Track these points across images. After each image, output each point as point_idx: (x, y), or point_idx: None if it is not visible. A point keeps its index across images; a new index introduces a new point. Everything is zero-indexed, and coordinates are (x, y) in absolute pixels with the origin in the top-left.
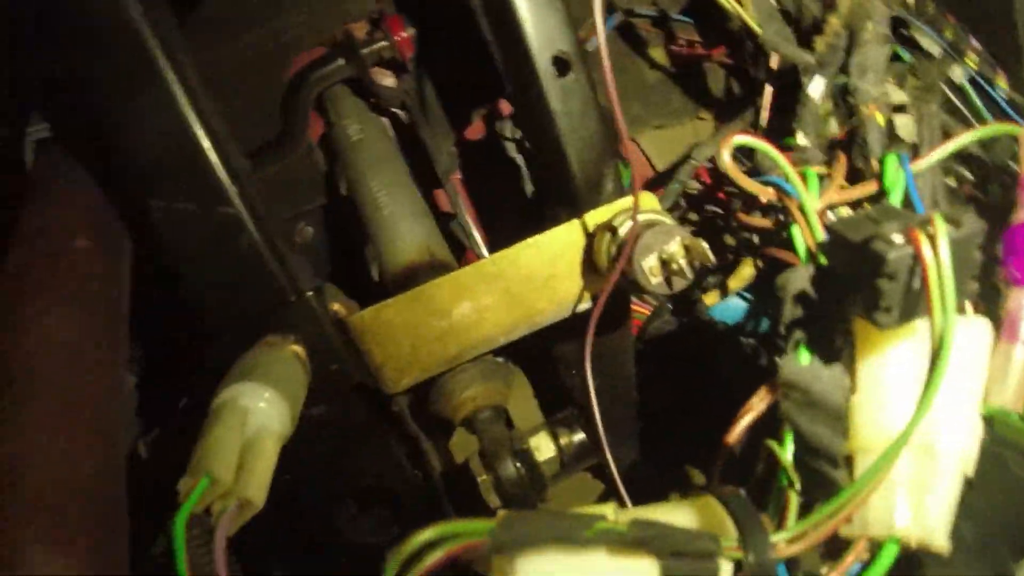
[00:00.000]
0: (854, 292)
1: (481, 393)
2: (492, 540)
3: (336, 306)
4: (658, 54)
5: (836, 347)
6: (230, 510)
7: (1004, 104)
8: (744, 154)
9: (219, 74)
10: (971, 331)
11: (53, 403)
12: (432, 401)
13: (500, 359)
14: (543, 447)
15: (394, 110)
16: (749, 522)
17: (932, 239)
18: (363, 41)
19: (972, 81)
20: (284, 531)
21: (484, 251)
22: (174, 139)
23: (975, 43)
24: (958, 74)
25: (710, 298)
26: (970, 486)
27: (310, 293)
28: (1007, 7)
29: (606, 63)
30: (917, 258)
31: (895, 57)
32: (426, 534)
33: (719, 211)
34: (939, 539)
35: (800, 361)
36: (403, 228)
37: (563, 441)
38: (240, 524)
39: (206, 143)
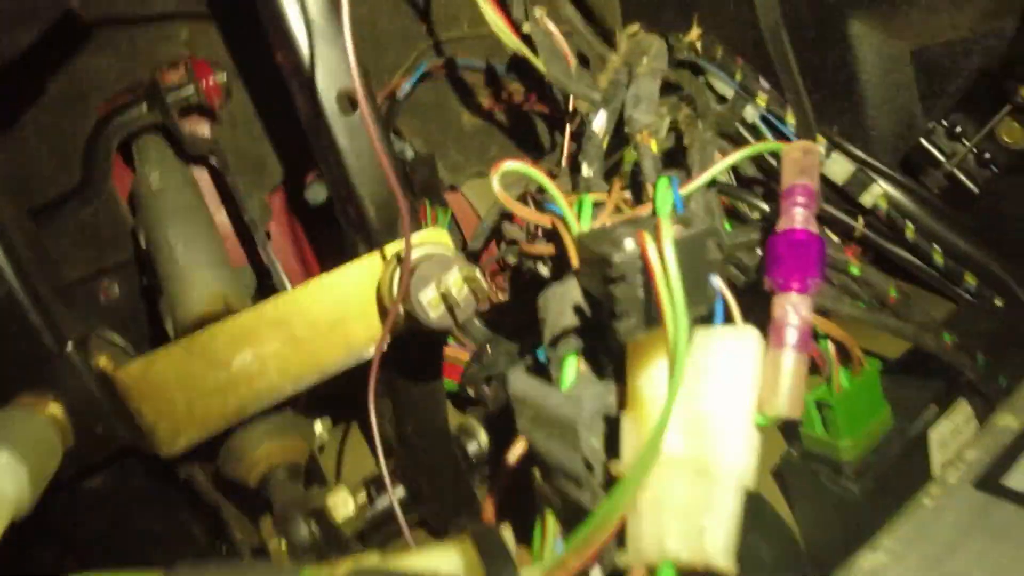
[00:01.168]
0: (601, 306)
1: (274, 451)
2: None
3: (103, 360)
4: (476, 103)
5: (600, 362)
6: None
7: (792, 136)
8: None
9: (16, 118)
10: (737, 340)
11: None
12: (222, 463)
13: (289, 411)
14: (341, 505)
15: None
16: (496, 560)
17: (657, 240)
18: (169, 87)
19: (764, 119)
20: None
21: None
22: None
23: (764, 83)
24: (751, 113)
25: None
26: (760, 500)
27: (70, 346)
28: (782, 50)
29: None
30: (644, 258)
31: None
32: None
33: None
34: (721, 559)
35: (523, 373)
36: (196, 278)
37: (360, 500)
38: None
39: None
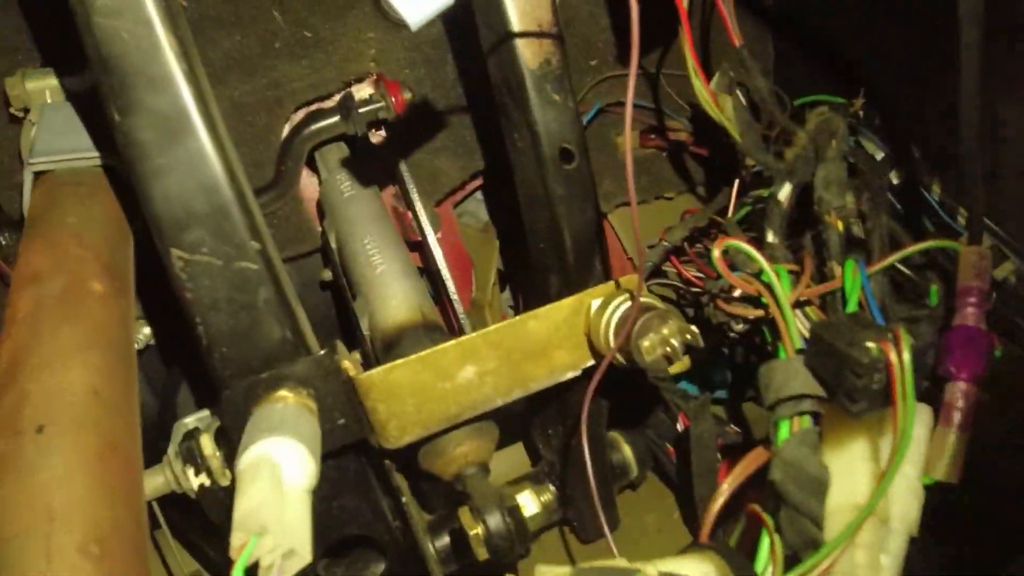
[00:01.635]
0: (832, 386)
1: (472, 450)
2: None
3: (345, 363)
4: (633, 137)
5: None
6: (279, 564)
7: (937, 206)
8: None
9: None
10: (917, 416)
11: (85, 448)
12: (423, 456)
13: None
14: (528, 503)
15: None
16: (743, 570)
17: (899, 349)
18: (361, 101)
19: (908, 183)
20: None
21: (460, 308)
22: (203, 194)
23: (914, 151)
24: (897, 176)
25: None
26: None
27: (324, 350)
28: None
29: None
30: (887, 364)
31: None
32: None
33: (690, 294)
34: None
35: (795, 441)
36: (396, 288)
37: (544, 499)
38: None
39: (232, 201)
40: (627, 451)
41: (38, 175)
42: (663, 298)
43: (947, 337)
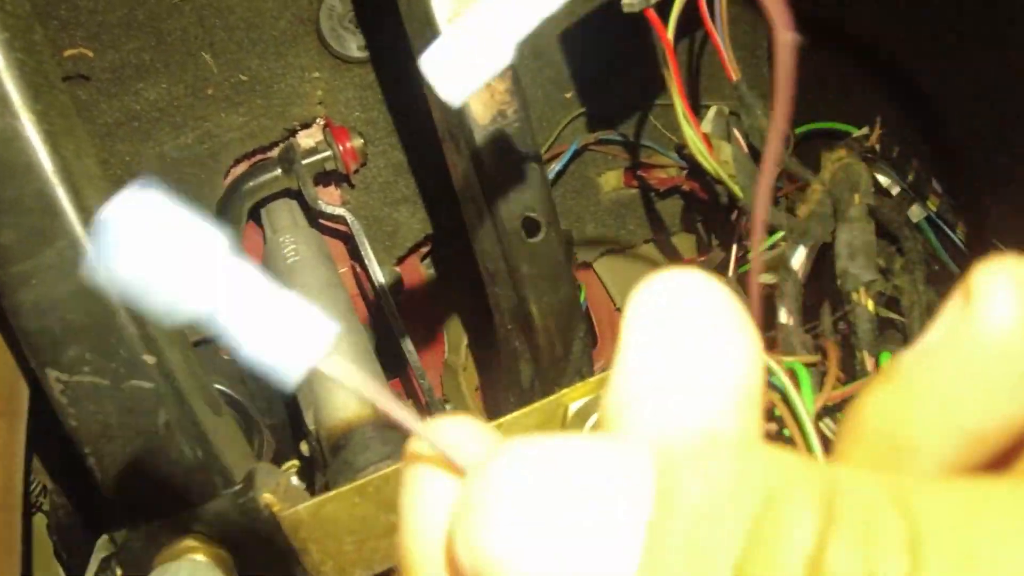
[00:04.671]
0: None
1: None
2: None
3: (267, 496)
4: (615, 177)
5: None
6: None
7: (962, 246)
8: None
9: (145, 175)
10: None
11: None
12: None
13: None
14: None
15: (334, 225)
16: None
17: None
18: (305, 151)
19: (930, 221)
20: None
21: (425, 383)
22: (80, 303)
23: (937, 186)
24: (916, 213)
25: None
26: None
27: (238, 486)
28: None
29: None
30: None
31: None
32: None
33: None
34: None
35: None
36: None
37: None
38: None
39: (118, 308)
40: None
41: None
42: None
43: None
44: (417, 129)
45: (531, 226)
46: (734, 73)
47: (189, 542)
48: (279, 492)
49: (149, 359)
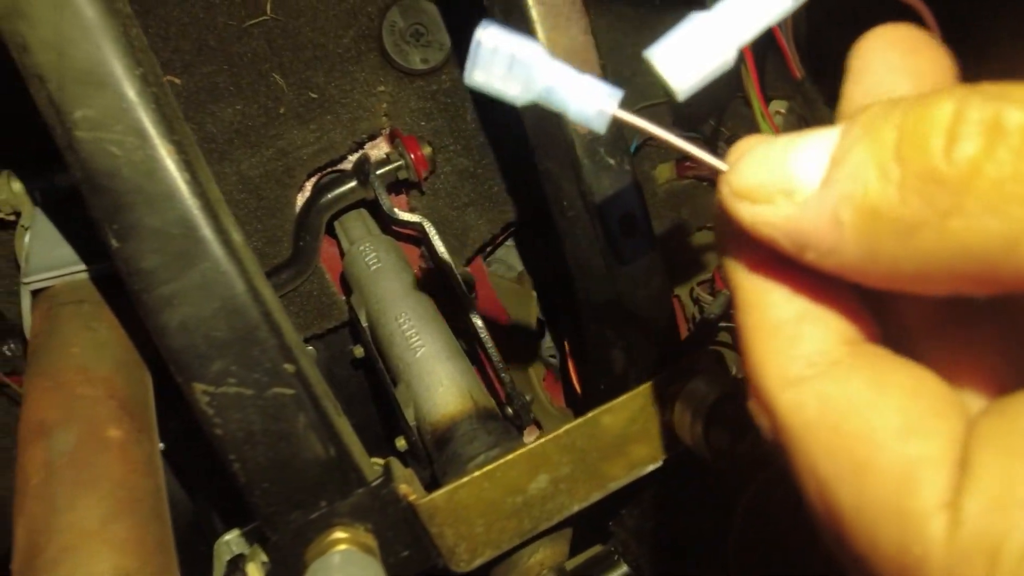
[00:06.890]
0: None
1: (548, 556)
2: None
3: (403, 487)
4: (668, 169)
5: None
6: None
7: None
8: None
9: (224, 194)
10: None
11: None
12: (495, 572)
13: None
14: None
15: (402, 231)
16: None
17: None
18: (377, 162)
19: None
20: None
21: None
22: (224, 320)
23: None
24: None
25: None
26: None
27: (379, 479)
28: None
29: None
30: None
31: None
32: None
33: None
34: None
35: None
36: (440, 373)
37: None
38: None
39: (259, 322)
40: None
41: (36, 292)
42: (727, 346)
43: None
44: (478, 133)
45: (629, 227)
46: (798, 71)
47: (336, 534)
48: (411, 481)
49: (289, 367)
